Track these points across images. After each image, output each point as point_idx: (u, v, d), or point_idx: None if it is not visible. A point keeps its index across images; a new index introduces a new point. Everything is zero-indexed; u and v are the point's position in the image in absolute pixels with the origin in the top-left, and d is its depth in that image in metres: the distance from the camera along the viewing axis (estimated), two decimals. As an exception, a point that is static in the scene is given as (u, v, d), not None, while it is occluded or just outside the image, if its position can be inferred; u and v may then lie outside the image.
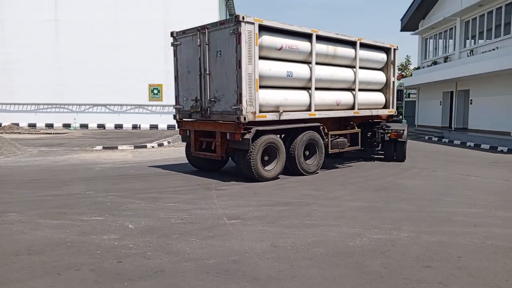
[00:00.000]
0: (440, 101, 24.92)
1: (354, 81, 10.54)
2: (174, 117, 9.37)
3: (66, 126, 25.28)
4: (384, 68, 11.67)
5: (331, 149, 9.93)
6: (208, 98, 8.47)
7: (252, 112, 7.98)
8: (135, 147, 14.88)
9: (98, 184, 8.01)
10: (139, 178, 8.75)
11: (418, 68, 28.05)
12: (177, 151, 14.21)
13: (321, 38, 9.32)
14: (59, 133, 20.91)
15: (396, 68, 11.89)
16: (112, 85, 25.48)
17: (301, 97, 9.05)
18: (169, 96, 25.85)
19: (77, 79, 25.26)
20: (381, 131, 11.51)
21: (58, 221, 5.49)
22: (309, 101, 9.23)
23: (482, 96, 20.42)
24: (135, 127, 25.50)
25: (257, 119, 8.07)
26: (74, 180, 8.38)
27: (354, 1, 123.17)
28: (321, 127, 9.54)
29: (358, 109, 10.70)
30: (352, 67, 10.49)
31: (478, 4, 20.35)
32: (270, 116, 8.33)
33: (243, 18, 7.65)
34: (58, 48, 25.27)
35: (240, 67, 7.72)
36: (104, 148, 14.42)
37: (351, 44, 10.29)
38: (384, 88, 11.76)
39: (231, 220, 5.56)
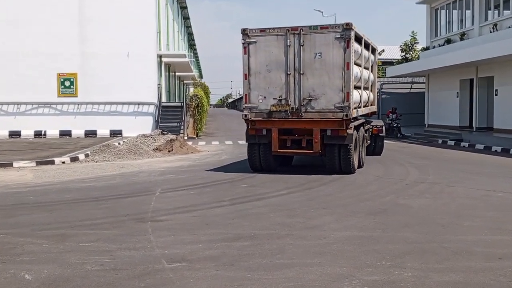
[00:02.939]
0: (457, 92, 25.80)
1: (367, 80, 14.56)
2: (245, 116, 12.16)
3: None
4: (372, 67, 15.86)
5: (366, 141, 14.36)
6: (302, 96, 11.76)
7: (352, 110, 11.65)
8: (38, 163, 14.59)
9: (-19, 218, 7.72)
10: (42, 207, 8.54)
11: (427, 48, 28.98)
12: (98, 167, 13.97)
13: (364, 43, 13.42)
14: None
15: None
16: (3, 76, 24.76)
17: (357, 95, 12.71)
18: (87, 90, 25.51)
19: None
20: (368, 126, 15.18)
21: None
22: (360, 99, 12.96)
23: (511, 85, 21.31)
24: (38, 134, 24.92)
25: (353, 115, 11.80)
26: None
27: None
28: (365, 122, 14.14)
29: (371, 105, 15.25)
30: (366, 68, 14.44)
31: (502, -36, 21.33)
32: (355, 113, 12.13)
33: (352, 25, 11.37)
34: None
35: (348, 68, 11.43)
36: (-8, 165, 13.98)
37: (366, 45, 14.14)
38: (372, 86, 15.95)
39: (172, 263, 5.49)
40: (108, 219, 7.64)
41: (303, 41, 11.70)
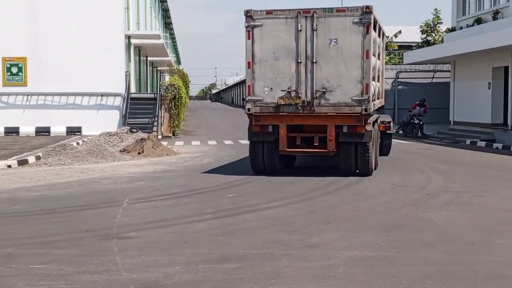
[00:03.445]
0: (489, 83, 25.93)
1: (379, 69, 15.31)
2: (248, 110, 12.75)
3: None
4: (380, 54, 16.00)
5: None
6: (315, 88, 12.49)
7: (371, 103, 12.59)
8: (-22, 167, 14.52)
9: None
10: (-17, 221, 8.51)
11: (453, 29, 29.14)
12: (52, 173, 13.93)
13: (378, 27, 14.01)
14: None
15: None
16: None
17: (372, 87, 13.20)
18: (39, 77, 25.34)
19: None
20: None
21: None
22: (373, 91, 13.46)
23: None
24: (-21, 132, 24.69)
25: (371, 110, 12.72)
26: None
27: None
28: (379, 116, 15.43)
29: (380, 98, 15.86)
30: (378, 56, 15.03)
31: None
32: (372, 107, 12.90)
33: (372, 8, 12.20)
34: None
35: (368, 57, 12.24)
36: None
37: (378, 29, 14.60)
38: (379, 77, 16.19)
39: (142, 289, 5.48)
40: (65, 235, 7.58)
41: (316, 25, 12.44)
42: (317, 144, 12.73)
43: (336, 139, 12.50)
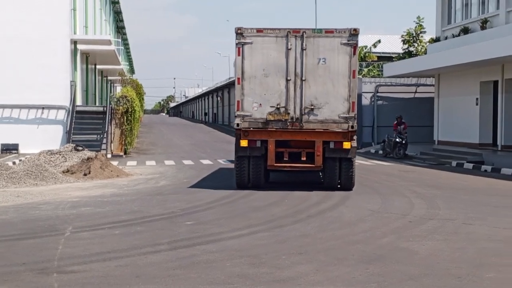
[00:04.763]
0: (477, 99, 26.34)
1: None
2: (237, 125, 14.53)
3: None
4: None
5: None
6: (303, 105, 14.51)
7: (356, 121, 14.64)
8: None
9: None
10: None
11: (438, 39, 29.62)
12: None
13: None
14: None
15: None
16: None
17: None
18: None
19: None
20: None
21: None
22: None
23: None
24: None
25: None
26: None
27: None
28: None
29: None
30: None
31: None
32: None
33: (359, 30, 14.32)
34: None
35: (354, 76, 14.38)
36: None
37: None
38: None
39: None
40: (-3, 269, 7.44)
41: (305, 44, 14.53)
42: (305, 159, 14.55)
43: (322, 155, 14.34)
